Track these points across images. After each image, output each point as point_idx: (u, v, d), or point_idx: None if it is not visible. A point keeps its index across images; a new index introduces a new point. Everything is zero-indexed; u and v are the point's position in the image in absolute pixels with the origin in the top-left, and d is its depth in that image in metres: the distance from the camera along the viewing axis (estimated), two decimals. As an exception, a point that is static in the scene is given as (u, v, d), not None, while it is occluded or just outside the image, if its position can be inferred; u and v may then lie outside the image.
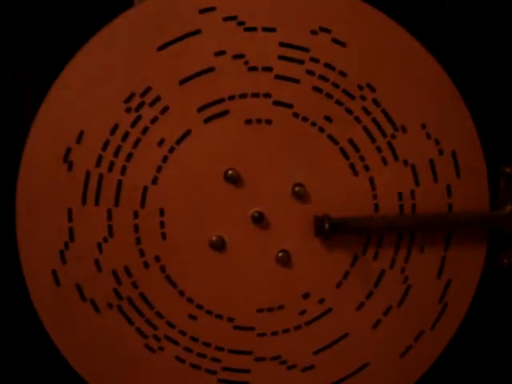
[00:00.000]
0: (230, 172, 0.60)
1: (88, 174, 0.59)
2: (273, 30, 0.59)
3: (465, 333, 0.64)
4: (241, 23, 0.59)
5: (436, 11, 0.74)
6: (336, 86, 0.60)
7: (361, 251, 0.61)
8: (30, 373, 0.73)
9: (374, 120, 0.61)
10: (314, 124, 0.60)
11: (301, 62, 0.60)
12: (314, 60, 0.60)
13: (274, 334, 0.61)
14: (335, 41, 0.60)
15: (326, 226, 0.58)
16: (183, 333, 0.61)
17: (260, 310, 0.61)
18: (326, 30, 0.60)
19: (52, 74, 0.58)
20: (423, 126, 0.61)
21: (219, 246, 0.60)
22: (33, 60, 0.70)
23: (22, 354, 0.73)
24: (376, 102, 0.60)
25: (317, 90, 0.60)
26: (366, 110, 0.60)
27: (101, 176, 0.59)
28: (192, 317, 0.61)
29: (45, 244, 0.59)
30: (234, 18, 0.59)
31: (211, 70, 0.59)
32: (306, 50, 0.60)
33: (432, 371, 0.63)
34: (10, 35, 0.69)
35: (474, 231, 0.62)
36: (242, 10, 0.59)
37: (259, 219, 0.60)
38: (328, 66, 0.60)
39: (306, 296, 0.61)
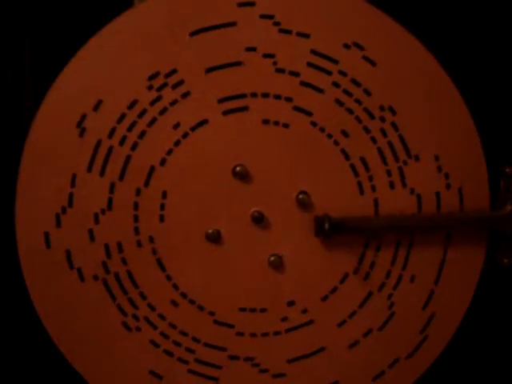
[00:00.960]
0: (238, 168, 0.60)
1: (99, 143, 0.59)
2: (307, 36, 0.59)
3: (465, 333, 0.64)
4: (277, 23, 0.59)
5: (436, 11, 0.74)
6: (358, 102, 0.60)
7: (352, 270, 0.61)
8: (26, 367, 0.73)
9: (389, 143, 0.61)
10: (329, 136, 0.60)
11: (328, 72, 0.60)
12: (342, 73, 0.60)
13: (253, 335, 0.61)
14: (366, 58, 0.60)
15: (326, 226, 0.58)
16: (163, 317, 0.61)
17: (242, 309, 0.61)
18: (359, 47, 0.60)
19: (52, 74, 0.58)
20: (436, 158, 0.61)
21: (214, 238, 0.60)
22: (33, 60, 0.70)
23: (19, 347, 0.73)
24: (394, 126, 0.61)
25: (339, 103, 0.60)
26: (383, 132, 0.61)
27: (111, 148, 0.59)
28: (174, 303, 0.61)
29: (43, 204, 0.59)
30: (271, 17, 0.59)
31: (239, 64, 0.59)
32: (335, 61, 0.60)
33: (432, 371, 0.63)
34: (11, 35, 0.69)
35: (473, 231, 0.62)
36: (280, 11, 0.59)
37: (259, 219, 0.60)
38: (354, 81, 0.60)
39: (290, 304, 0.61)
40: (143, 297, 0.60)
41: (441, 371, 0.65)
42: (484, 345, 0.76)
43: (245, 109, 0.60)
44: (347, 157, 0.61)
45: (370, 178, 0.61)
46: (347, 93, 0.60)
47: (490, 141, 0.62)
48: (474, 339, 0.74)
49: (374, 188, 0.61)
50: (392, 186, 0.61)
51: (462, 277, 0.62)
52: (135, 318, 0.60)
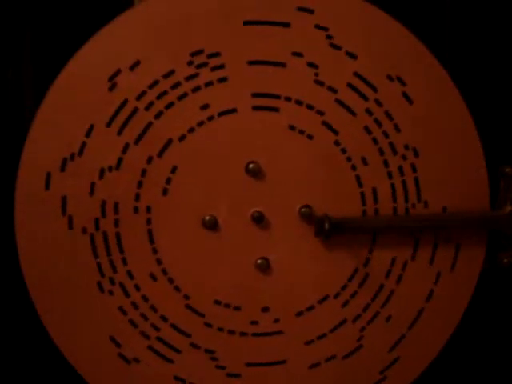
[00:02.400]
0: (252, 165, 0.60)
1: (125, 102, 0.59)
2: (355, 57, 0.60)
3: (465, 333, 0.64)
4: (329, 37, 0.59)
5: (436, 11, 0.74)
6: (386, 135, 0.60)
7: (333, 294, 0.62)
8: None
9: (403, 182, 0.61)
10: (349, 159, 0.60)
11: (365, 98, 0.60)
12: (378, 103, 0.60)
13: (220, 329, 0.61)
14: (405, 95, 0.60)
15: (326, 226, 0.58)
16: (138, 288, 0.60)
17: (217, 302, 0.61)
18: (402, 82, 0.60)
19: (52, 74, 0.58)
20: (444, 210, 0.61)
21: (210, 226, 0.60)
22: (33, 60, 0.70)
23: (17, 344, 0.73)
24: (413, 168, 0.61)
25: (367, 130, 0.60)
26: (400, 170, 0.61)
27: (135, 110, 0.59)
28: (153, 277, 0.60)
29: (53, 144, 0.58)
30: (325, 29, 0.59)
31: (282, 65, 0.59)
32: (375, 89, 0.60)
33: (432, 371, 0.63)
34: (11, 35, 0.69)
35: (473, 231, 0.62)
36: (335, 26, 0.59)
37: (259, 219, 0.60)
38: (388, 114, 0.60)
39: (265, 309, 0.61)
40: (125, 263, 0.60)
41: (441, 371, 0.65)
42: (484, 345, 0.76)
43: (275, 110, 0.60)
44: (360, 184, 0.61)
45: (376, 211, 0.61)
46: (378, 123, 0.60)
47: (490, 141, 0.62)
48: (474, 339, 0.74)
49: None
50: (394, 223, 0.61)
51: (461, 277, 0.62)
52: (111, 281, 0.60)
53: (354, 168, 0.61)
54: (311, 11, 0.59)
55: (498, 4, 0.74)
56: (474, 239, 0.62)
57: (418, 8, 0.74)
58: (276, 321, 0.61)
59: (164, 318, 0.61)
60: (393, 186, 0.61)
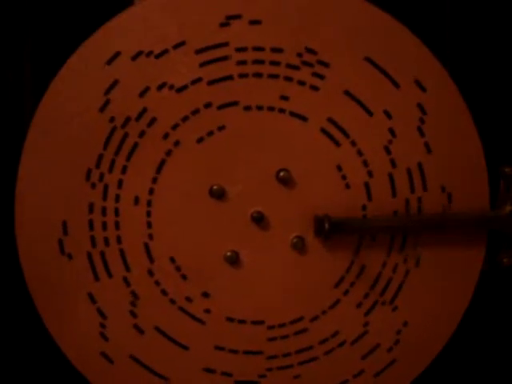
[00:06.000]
0: (282, 173, 0.60)
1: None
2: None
3: (465, 333, 0.64)
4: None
5: (436, 11, 0.74)
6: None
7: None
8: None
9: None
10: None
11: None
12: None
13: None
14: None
15: (326, 226, 0.58)
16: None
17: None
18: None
19: (52, 74, 0.58)
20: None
21: (218, 195, 0.59)
22: (33, 60, 0.70)
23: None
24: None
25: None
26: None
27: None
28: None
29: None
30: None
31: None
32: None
33: (432, 371, 0.63)
34: (11, 35, 0.69)
35: (473, 231, 0.62)
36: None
37: (258, 220, 0.60)
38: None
39: (205, 295, 0.61)
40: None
41: (440, 371, 0.66)
42: (484, 345, 0.76)
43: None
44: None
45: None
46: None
47: (490, 141, 0.62)
48: (474, 339, 0.74)
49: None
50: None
51: (461, 277, 0.62)
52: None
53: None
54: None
55: (498, 4, 0.74)
56: (473, 239, 0.62)
57: (418, 8, 0.74)
58: (207, 311, 0.61)
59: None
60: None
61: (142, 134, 0.58)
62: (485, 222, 0.61)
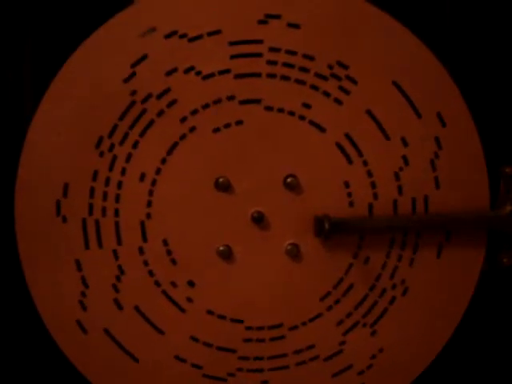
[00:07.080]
0: (289, 179, 0.60)
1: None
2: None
3: (464, 333, 0.63)
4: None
5: (436, 11, 0.74)
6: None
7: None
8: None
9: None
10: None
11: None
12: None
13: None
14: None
15: (326, 226, 0.58)
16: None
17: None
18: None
19: (52, 74, 0.58)
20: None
21: (224, 187, 0.59)
22: (33, 60, 0.70)
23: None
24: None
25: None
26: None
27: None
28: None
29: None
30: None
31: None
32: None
33: (431, 371, 0.63)
34: (11, 35, 0.69)
35: (473, 231, 0.62)
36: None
37: (258, 219, 0.60)
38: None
39: (190, 284, 0.61)
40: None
41: (440, 371, 0.65)
42: (484, 345, 0.75)
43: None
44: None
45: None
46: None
47: (490, 141, 0.62)
48: (474, 339, 0.74)
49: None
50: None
51: (461, 277, 0.62)
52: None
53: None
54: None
55: (498, 4, 0.74)
56: (473, 239, 0.62)
57: (418, 8, 0.74)
58: (189, 300, 0.61)
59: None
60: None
61: (160, 113, 0.58)
62: (485, 221, 0.62)
